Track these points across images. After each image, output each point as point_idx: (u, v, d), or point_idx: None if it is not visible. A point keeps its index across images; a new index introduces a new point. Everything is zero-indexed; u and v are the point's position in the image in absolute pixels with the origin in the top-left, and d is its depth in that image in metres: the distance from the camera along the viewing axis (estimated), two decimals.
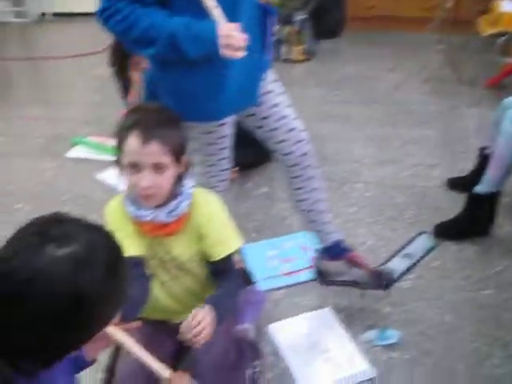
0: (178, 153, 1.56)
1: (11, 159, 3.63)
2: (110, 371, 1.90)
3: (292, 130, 1.94)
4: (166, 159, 1.53)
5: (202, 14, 1.59)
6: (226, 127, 1.92)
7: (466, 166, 3.06)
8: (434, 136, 3.60)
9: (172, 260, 1.73)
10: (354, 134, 3.69)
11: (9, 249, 0.90)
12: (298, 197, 2.09)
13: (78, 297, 0.89)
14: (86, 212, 2.91)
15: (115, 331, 1.30)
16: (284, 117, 1.93)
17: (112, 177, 3.20)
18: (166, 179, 1.57)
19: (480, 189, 2.53)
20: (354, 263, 2.16)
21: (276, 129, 1.94)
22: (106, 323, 1.01)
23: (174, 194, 1.63)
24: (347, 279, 2.16)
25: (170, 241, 1.70)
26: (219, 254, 1.71)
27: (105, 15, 1.61)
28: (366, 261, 2.20)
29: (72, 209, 2.99)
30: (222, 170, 2.06)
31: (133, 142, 1.50)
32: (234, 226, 1.75)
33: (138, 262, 1.63)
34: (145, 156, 1.51)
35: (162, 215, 1.62)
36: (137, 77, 3.40)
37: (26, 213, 2.98)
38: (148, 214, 1.62)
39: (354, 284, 2.17)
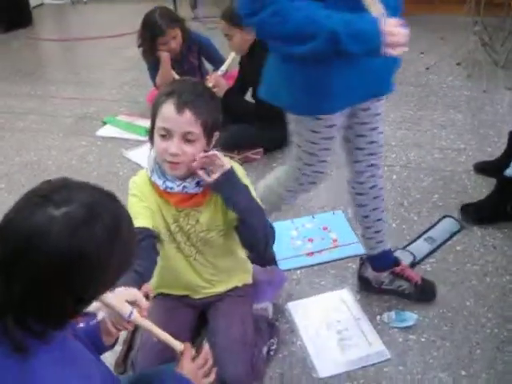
0: (209, 127, 1.59)
1: (43, 137, 3.70)
2: (128, 344, 1.96)
3: (373, 142, 1.90)
4: (197, 130, 1.57)
5: (357, 7, 1.46)
6: (334, 129, 1.79)
7: (495, 151, 3.02)
8: (464, 120, 3.54)
9: (198, 232, 1.77)
10: None
11: (15, 208, 0.96)
12: (358, 202, 2.05)
13: (74, 255, 0.92)
14: (113, 188, 2.98)
15: (136, 316, 1.35)
16: (375, 128, 1.89)
17: (140, 155, 3.25)
18: (194, 150, 1.59)
19: (510, 172, 2.48)
20: (398, 276, 2.14)
21: (363, 136, 1.89)
22: (107, 285, 1.05)
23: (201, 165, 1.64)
24: (391, 288, 2.16)
25: (197, 211, 1.74)
26: None
27: (252, 8, 1.49)
28: (411, 273, 2.17)
29: (100, 185, 3.04)
30: (317, 172, 1.93)
31: (168, 109, 1.55)
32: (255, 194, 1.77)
33: (150, 234, 1.66)
34: (177, 124, 1.55)
35: (190, 186, 1.66)
36: (165, 57, 3.44)
37: None
38: (176, 186, 1.65)
39: (398, 294, 2.16)
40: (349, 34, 1.45)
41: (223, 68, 3.26)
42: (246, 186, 1.69)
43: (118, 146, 3.51)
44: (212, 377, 1.49)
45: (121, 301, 1.31)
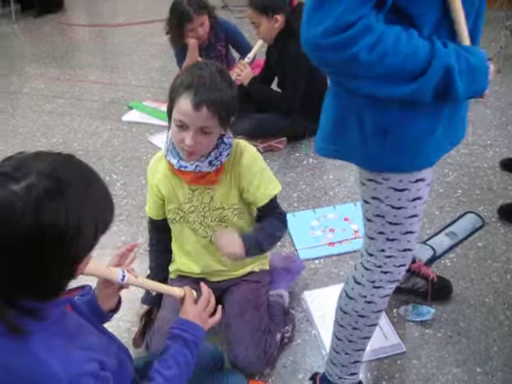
0: (225, 117, 1.61)
1: (70, 120, 3.74)
2: (144, 326, 1.98)
3: None
4: (213, 124, 1.58)
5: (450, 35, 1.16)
6: (424, 184, 1.34)
7: None
8: (492, 115, 3.48)
9: (213, 210, 1.81)
10: None
11: None
12: None
13: (44, 226, 0.90)
14: (137, 172, 3.02)
15: (129, 277, 1.36)
16: None
17: (164, 140, 3.27)
18: (209, 140, 1.63)
19: None
20: (414, 273, 2.10)
21: None
22: (86, 249, 1.01)
23: (215, 145, 1.69)
24: (406, 287, 2.11)
25: (211, 190, 1.78)
26: (263, 198, 1.81)
27: (345, 36, 1.02)
28: (427, 270, 2.12)
29: (123, 169, 3.09)
30: (405, 251, 1.44)
31: (184, 103, 1.55)
32: (271, 173, 1.83)
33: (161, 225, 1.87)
34: (194, 119, 1.56)
35: (203, 165, 1.69)
36: (192, 43, 3.44)
37: None
38: (190, 165, 1.69)
39: (413, 292, 2.12)
40: (462, 69, 1.12)
41: (250, 55, 3.24)
42: (259, 243, 1.78)
43: (142, 130, 3.54)
44: (218, 315, 1.51)
45: (104, 266, 1.32)
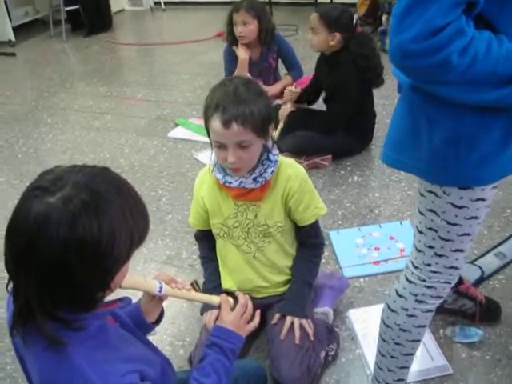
0: (260, 127, 1.61)
1: (117, 136, 3.83)
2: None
3: None
4: (249, 137, 1.59)
5: None
6: (483, 205, 1.30)
7: None
8: None
9: (258, 226, 1.82)
10: None
11: (17, 206, 0.96)
12: None
13: (79, 236, 0.91)
14: (182, 188, 3.06)
15: (166, 288, 1.37)
16: None
17: (208, 157, 3.29)
18: (251, 153, 1.64)
19: None
20: (462, 294, 2.05)
21: None
22: (122, 260, 1.01)
23: (259, 161, 1.71)
24: (454, 308, 2.07)
25: (255, 206, 1.79)
26: (310, 217, 1.83)
27: (436, 40, 1.00)
28: (475, 291, 2.06)
29: (168, 185, 3.14)
30: (451, 268, 1.41)
31: (215, 124, 1.57)
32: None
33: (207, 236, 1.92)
34: (228, 137, 1.58)
35: (248, 182, 1.71)
36: (243, 59, 3.53)
37: None
38: (234, 181, 1.71)
39: (460, 313, 2.07)
40: None
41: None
42: (303, 296, 1.89)
43: (188, 147, 3.58)
44: (256, 321, 1.49)
45: (142, 279, 1.32)
